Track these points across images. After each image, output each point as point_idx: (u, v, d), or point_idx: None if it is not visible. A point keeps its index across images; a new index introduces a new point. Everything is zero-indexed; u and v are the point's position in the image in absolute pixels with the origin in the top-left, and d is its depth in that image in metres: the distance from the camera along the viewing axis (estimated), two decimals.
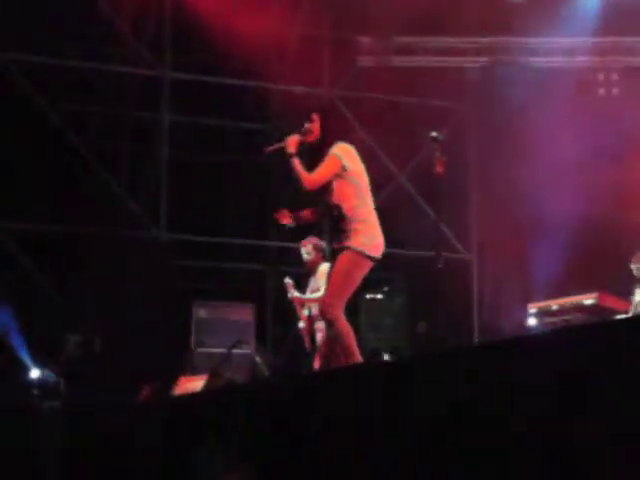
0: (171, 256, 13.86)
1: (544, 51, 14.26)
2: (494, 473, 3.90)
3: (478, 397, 4.05)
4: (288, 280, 9.69)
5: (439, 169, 7.41)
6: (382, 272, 15.18)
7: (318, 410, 5.08)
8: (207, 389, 8.65)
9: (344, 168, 6.61)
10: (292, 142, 6.69)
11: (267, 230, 15.04)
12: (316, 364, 9.38)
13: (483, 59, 14.37)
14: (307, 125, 6.76)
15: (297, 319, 9.84)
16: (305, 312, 9.64)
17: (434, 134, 7.50)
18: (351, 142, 6.85)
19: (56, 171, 13.86)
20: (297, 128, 6.85)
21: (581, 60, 14.20)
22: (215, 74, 14.45)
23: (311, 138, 6.75)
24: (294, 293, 9.66)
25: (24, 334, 13.03)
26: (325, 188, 6.66)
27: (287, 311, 10.33)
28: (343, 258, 6.56)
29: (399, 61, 14.45)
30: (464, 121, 15.04)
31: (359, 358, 6.53)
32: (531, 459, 3.75)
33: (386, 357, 11.98)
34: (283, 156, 6.72)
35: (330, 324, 6.66)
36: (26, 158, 13.84)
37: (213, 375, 9.21)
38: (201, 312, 12.59)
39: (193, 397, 7.69)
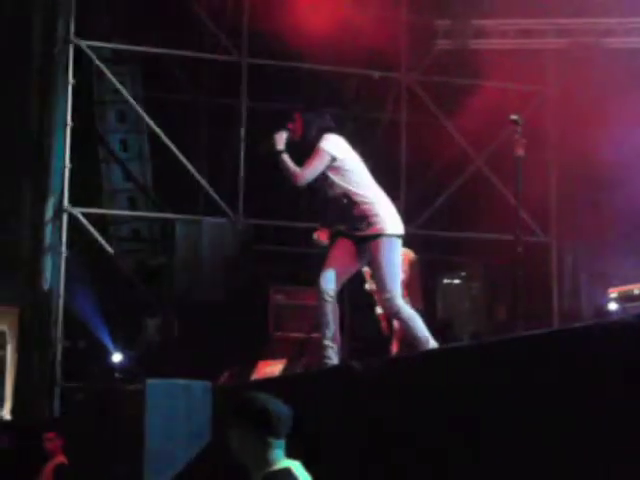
0: (249, 241, 13.94)
1: (623, 32, 14.00)
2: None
3: (559, 382, 4.01)
4: (366, 269, 9.68)
5: (519, 152, 7.35)
6: (459, 256, 15.20)
7: (398, 394, 5.08)
8: (285, 373, 8.69)
9: (334, 159, 6.60)
10: (280, 139, 6.70)
11: None
12: (394, 348, 9.38)
13: (563, 40, 14.15)
14: (290, 125, 6.73)
15: (374, 304, 9.84)
16: None
17: (513, 117, 7.45)
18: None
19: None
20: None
21: None
22: (292, 59, 14.45)
23: (296, 137, 6.74)
24: (371, 285, 9.65)
25: (106, 319, 13.24)
26: (324, 183, 6.66)
27: (364, 296, 10.33)
28: (381, 247, 6.54)
29: (477, 44, 14.30)
30: (544, 103, 14.85)
31: (432, 341, 6.50)
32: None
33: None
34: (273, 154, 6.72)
35: (395, 316, 6.67)
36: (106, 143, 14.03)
37: (292, 360, 9.25)
38: (279, 297, 12.64)
39: (271, 381, 7.74)
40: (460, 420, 4.55)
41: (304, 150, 6.71)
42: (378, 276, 6.64)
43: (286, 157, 6.65)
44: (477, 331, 12.52)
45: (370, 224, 6.55)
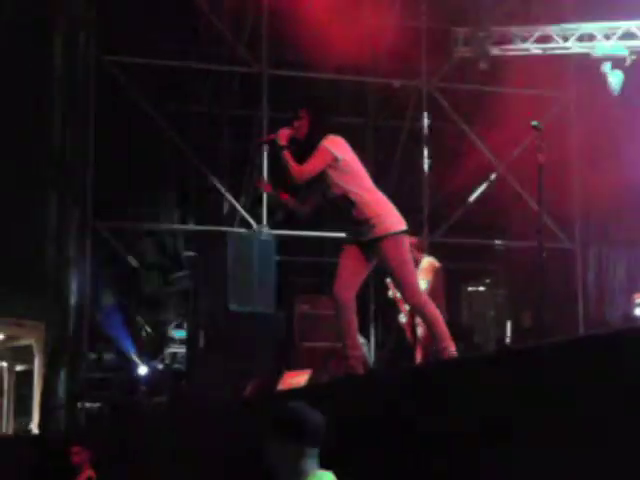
0: (272, 252, 13.94)
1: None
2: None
3: (585, 388, 4.00)
4: (389, 280, 9.69)
5: (541, 158, 7.33)
6: (484, 263, 15.16)
7: (425, 402, 5.08)
8: (311, 383, 8.68)
9: (336, 159, 6.62)
10: (283, 135, 6.73)
11: None
12: (418, 356, 9.39)
13: (581, 45, 14.10)
14: (295, 122, 6.76)
15: (398, 313, 9.86)
16: (407, 306, 9.64)
17: (535, 123, 7.44)
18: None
19: (161, 170, 14.08)
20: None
21: None
22: (313, 69, 14.48)
23: (300, 134, 6.76)
24: (396, 293, 9.66)
25: (131, 332, 13.28)
26: (323, 183, 6.67)
27: (389, 304, 10.34)
28: (389, 249, 6.56)
29: (497, 51, 14.28)
30: (566, 109, 14.82)
31: (451, 343, 6.50)
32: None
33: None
34: (274, 148, 6.79)
35: (420, 312, 6.65)
36: (128, 157, 14.08)
37: (317, 369, 9.24)
38: (304, 307, 12.64)
39: (297, 392, 7.74)
40: (486, 427, 4.54)
41: (307, 148, 6.73)
42: (395, 277, 6.68)
43: (286, 153, 6.67)
44: (502, 338, 12.49)
45: (372, 226, 6.56)
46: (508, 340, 12.48)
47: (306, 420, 3.77)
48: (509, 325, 12.47)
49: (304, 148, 6.75)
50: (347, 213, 6.66)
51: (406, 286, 6.63)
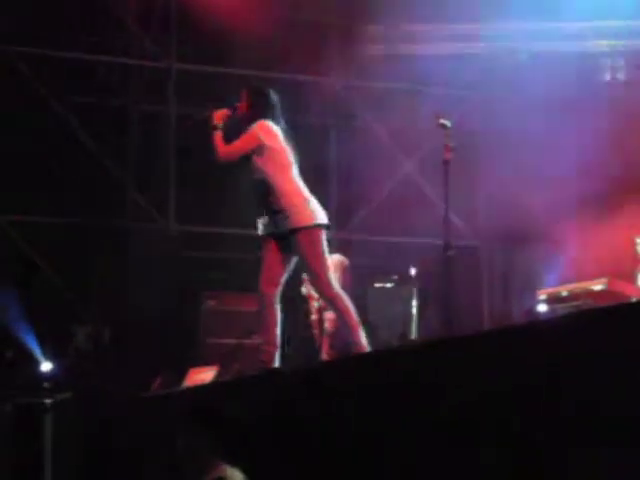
0: (180, 247, 13.85)
1: (547, 36, 14.15)
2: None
3: (490, 383, 4.04)
4: (304, 275, 9.70)
5: (447, 156, 7.40)
6: (391, 261, 15.23)
7: (327, 399, 5.08)
8: (217, 380, 8.64)
9: (262, 145, 6.62)
10: (218, 115, 6.81)
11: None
12: (324, 352, 9.42)
13: (490, 45, 14.28)
14: (237, 104, 6.83)
15: (308, 311, 9.86)
16: (316, 304, 9.65)
17: (442, 121, 7.50)
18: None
19: (64, 164, 13.86)
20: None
21: (587, 44, 14.08)
22: (221, 64, 14.40)
23: (238, 113, 6.84)
24: (310, 290, 9.65)
25: (34, 327, 13.04)
26: (250, 167, 6.71)
27: (296, 301, 10.32)
28: (303, 242, 6.59)
29: (407, 49, 14.36)
30: (473, 108, 14.96)
31: (362, 338, 6.53)
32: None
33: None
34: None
35: (332, 303, 6.66)
36: (32, 150, 13.83)
37: (223, 366, 9.21)
38: (210, 303, 12.58)
39: (202, 388, 7.70)
40: (388, 422, 4.55)
41: (241, 129, 6.77)
42: (309, 271, 6.74)
43: (217, 133, 6.71)
44: (406, 334, 12.57)
45: (286, 217, 6.56)
46: (413, 336, 12.56)
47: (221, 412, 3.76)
48: (414, 321, 12.54)
49: (239, 129, 6.73)
50: (264, 200, 6.66)
51: (318, 280, 6.65)
